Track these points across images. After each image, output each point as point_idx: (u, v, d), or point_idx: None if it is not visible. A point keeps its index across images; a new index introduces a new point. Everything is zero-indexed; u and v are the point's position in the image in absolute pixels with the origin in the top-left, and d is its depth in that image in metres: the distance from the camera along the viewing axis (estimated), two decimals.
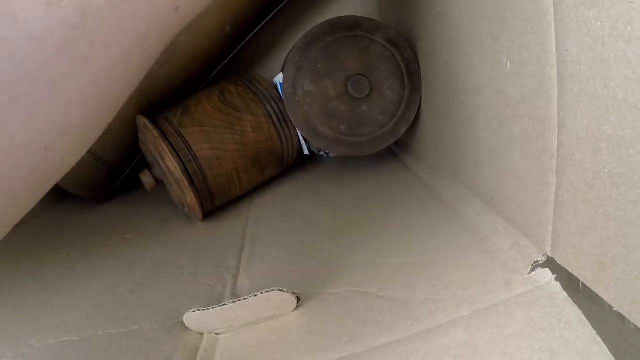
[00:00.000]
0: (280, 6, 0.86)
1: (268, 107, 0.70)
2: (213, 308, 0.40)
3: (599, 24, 0.26)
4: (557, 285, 0.33)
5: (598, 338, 0.29)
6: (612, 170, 0.27)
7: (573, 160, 0.30)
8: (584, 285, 0.31)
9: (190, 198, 0.64)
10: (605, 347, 0.28)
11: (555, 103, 0.31)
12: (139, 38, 0.24)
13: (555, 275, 0.34)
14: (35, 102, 0.20)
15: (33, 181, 0.22)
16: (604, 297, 0.29)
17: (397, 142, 0.71)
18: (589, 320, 0.30)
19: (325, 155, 0.87)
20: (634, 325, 0.27)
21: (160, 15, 0.24)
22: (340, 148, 0.69)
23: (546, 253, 0.35)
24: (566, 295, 0.32)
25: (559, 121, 0.31)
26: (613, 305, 0.28)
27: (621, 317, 0.28)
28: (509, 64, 0.37)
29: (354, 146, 0.69)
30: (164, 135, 0.63)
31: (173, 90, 0.73)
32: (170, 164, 0.62)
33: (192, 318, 0.41)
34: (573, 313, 0.31)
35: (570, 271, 0.32)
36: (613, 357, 0.28)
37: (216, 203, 0.70)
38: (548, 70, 0.32)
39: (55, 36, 0.20)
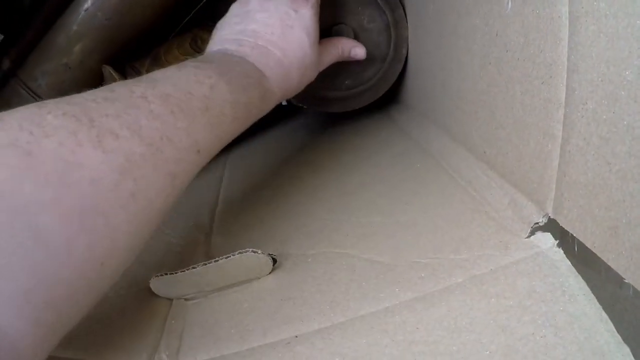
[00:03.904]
0: None
1: None
2: (182, 271, 0.37)
3: None
4: (560, 252, 0.30)
5: (604, 314, 0.26)
6: (632, 123, 0.23)
7: (585, 110, 0.27)
8: (579, 248, 0.28)
9: None
10: (612, 325, 0.26)
11: (565, 45, 0.28)
12: (171, 177, 0.30)
13: (557, 241, 0.31)
14: (95, 228, 0.25)
15: (90, 293, 0.26)
16: (614, 266, 0.26)
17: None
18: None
19: (304, 107, 0.82)
20: (633, 292, 0.24)
21: (185, 160, 0.31)
22: (323, 104, 0.65)
23: (547, 214, 0.32)
24: (569, 263, 0.29)
25: (568, 66, 0.28)
26: (625, 277, 0.25)
27: (619, 284, 0.25)
28: (510, 3, 0.33)
29: (335, 102, 0.65)
30: None
31: (141, 38, 0.68)
32: None
33: (160, 282, 0.38)
34: (577, 284, 0.28)
35: (575, 235, 0.29)
36: (620, 337, 0.25)
37: None
38: (558, 8, 0.28)
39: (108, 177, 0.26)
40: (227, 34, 0.45)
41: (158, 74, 0.34)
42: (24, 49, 0.61)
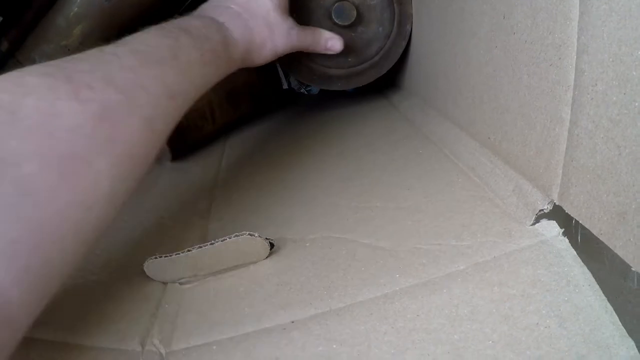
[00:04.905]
0: None
1: None
2: (177, 254, 0.36)
3: None
4: (565, 241, 0.30)
5: (609, 306, 0.26)
6: None
7: (594, 92, 0.26)
8: (582, 238, 0.28)
9: None
10: (616, 317, 0.25)
11: (575, 26, 0.27)
12: (147, 121, 0.32)
13: (562, 230, 0.30)
14: (77, 173, 0.27)
15: (77, 239, 0.27)
16: (621, 254, 0.25)
17: (382, 77, 0.66)
18: None
19: (306, 92, 0.82)
20: (638, 283, 0.24)
21: (160, 105, 0.33)
22: (326, 82, 0.64)
23: (552, 200, 0.31)
24: (574, 253, 0.29)
25: (578, 47, 0.27)
26: (632, 265, 0.24)
27: (624, 275, 0.24)
28: None
29: (338, 79, 0.64)
30: None
31: (141, 21, 0.67)
32: None
33: (154, 265, 0.37)
34: (583, 275, 0.27)
35: (581, 222, 0.28)
36: (624, 329, 0.24)
37: (187, 141, 0.65)
38: None
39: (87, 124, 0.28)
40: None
41: (126, 39, 0.36)
42: (22, 30, 0.60)
